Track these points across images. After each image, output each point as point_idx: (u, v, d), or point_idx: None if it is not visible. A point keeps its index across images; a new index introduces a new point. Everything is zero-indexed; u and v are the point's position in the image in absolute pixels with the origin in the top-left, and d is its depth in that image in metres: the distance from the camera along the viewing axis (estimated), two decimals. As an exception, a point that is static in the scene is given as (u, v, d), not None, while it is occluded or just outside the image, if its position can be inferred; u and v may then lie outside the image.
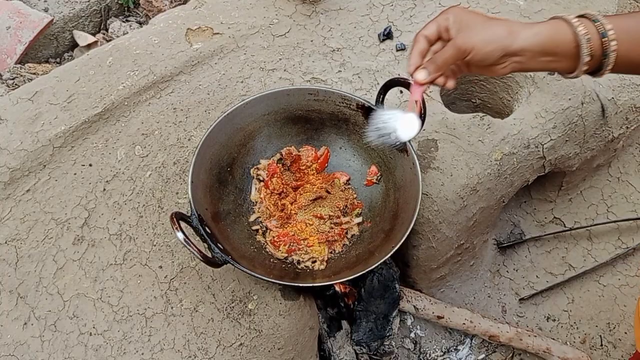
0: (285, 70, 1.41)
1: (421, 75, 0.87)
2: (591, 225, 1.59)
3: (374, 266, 1.01)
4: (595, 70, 0.83)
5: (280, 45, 1.47)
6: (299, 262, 1.13)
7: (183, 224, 0.94)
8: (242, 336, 1.04)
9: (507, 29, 0.81)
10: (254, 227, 1.16)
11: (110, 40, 2.13)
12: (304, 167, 1.24)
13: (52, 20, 2.07)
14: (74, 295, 1.07)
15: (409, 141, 1.09)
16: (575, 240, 1.61)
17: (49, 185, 1.21)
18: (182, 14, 1.54)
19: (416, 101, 0.94)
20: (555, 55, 0.82)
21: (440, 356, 1.47)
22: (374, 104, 1.17)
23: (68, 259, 1.12)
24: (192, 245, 0.90)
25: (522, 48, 0.81)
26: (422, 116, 1.11)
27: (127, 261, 1.12)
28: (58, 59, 2.19)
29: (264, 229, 1.17)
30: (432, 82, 0.88)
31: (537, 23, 0.82)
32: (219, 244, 0.99)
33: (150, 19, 1.94)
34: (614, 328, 1.51)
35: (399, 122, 0.99)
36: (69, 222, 1.16)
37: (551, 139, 1.34)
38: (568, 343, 1.50)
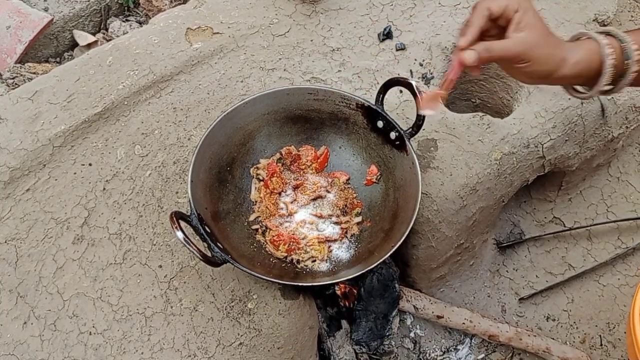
0: (285, 70, 1.41)
1: (470, 58, 0.81)
2: (591, 225, 1.59)
3: (373, 265, 1.01)
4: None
5: (280, 45, 1.47)
6: (298, 262, 1.13)
7: (183, 224, 0.94)
8: (241, 335, 1.04)
9: (561, 57, 0.81)
10: (254, 227, 1.16)
11: (110, 39, 2.13)
12: (303, 167, 1.24)
13: (52, 19, 2.07)
14: (73, 294, 1.08)
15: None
16: (575, 240, 1.61)
17: (48, 185, 1.21)
18: (182, 13, 1.54)
19: (451, 79, 0.86)
20: (581, 78, 0.84)
21: (440, 356, 1.47)
22: (373, 103, 1.17)
23: (68, 258, 1.12)
24: (191, 244, 0.90)
25: (563, 76, 0.83)
26: (422, 116, 1.11)
27: (127, 260, 1.12)
28: (58, 59, 2.19)
29: (264, 228, 1.17)
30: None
31: (578, 47, 0.83)
32: (218, 244, 0.99)
33: (150, 18, 1.94)
34: (614, 328, 1.51)
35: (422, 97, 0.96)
36: (68, 222, 1.16)
37: (551, 139, 1.34)
38: (568, 343, 1.50)
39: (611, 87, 0.85)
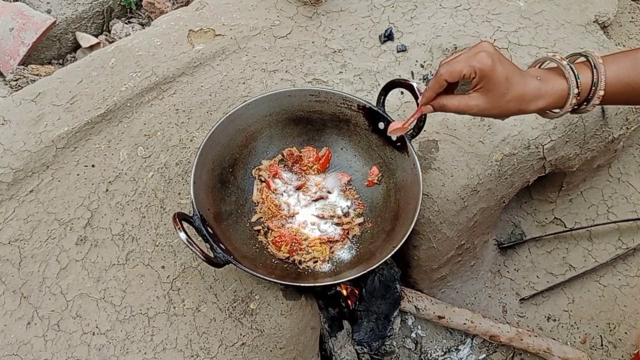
0: (286, 72, 1.42)
1: (428, 110, 0.94)
2: (591, 226, 1.59)
3: (375, 266, 1.01)
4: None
5: (281, 47, 1.47)
6: (300, 262, 1.13)
7: (185, 225, 0.94)
8: (244, 336, 1.04)
9: (516, 109, 0.86)
10: (256, 228, 1.17)
11: (112, 41, 2.14)
12: (305, 168, 1.24)
13: (54, 21, 2.08)
14: (77, 295, 1.08)
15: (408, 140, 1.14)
16: (576, 241, 1.61)
17: (52, 186, 1.22)
18: (184, 15, 1.55)
19: (412, 119, 0.99)
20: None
21: (441, 356, 1.48)
22: (374, 105, 1.18)
23: (71, 259, 1.13)
24: (194, 245, 0.90)
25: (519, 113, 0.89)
26: (422, 118, 1.12)
27: (130, 261, 1.12)
28: (61, 61, 2.20)
29: (266, 229, 1.17)
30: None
31: (544, 91, 0.85)
32: (221, 244, 1.00)
33: (152, 20, 1.94)
34: (614, 328, 1.51)
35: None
36: (72, 223, 1.17)
37: (551, 140, 1.34)
38: (568, 343, 1.51)
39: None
